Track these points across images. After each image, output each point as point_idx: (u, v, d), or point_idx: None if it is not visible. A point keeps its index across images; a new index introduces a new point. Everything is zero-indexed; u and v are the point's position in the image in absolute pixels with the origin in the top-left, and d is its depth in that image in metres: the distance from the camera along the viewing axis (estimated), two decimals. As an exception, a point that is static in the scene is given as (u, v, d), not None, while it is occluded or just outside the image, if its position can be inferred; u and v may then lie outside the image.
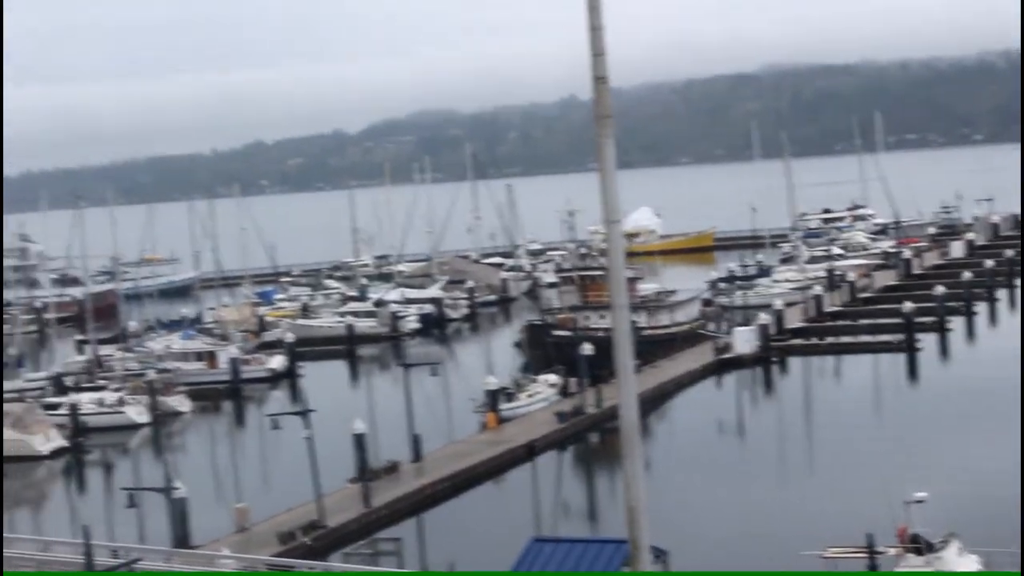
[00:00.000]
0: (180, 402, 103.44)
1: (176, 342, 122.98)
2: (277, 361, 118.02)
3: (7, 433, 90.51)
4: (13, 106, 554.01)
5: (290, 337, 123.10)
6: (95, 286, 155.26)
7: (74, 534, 57.76)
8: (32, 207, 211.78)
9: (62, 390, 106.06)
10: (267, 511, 66.45)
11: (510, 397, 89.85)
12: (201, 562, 51.55)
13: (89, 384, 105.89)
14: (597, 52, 25.08)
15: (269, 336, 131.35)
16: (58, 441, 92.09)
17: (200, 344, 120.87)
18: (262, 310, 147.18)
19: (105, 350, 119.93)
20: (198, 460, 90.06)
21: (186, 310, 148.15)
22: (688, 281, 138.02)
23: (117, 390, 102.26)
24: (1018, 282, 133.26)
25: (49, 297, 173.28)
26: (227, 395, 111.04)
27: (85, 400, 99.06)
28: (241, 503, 66.48)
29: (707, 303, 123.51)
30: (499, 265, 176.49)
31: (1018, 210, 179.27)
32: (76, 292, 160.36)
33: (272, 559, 53.91)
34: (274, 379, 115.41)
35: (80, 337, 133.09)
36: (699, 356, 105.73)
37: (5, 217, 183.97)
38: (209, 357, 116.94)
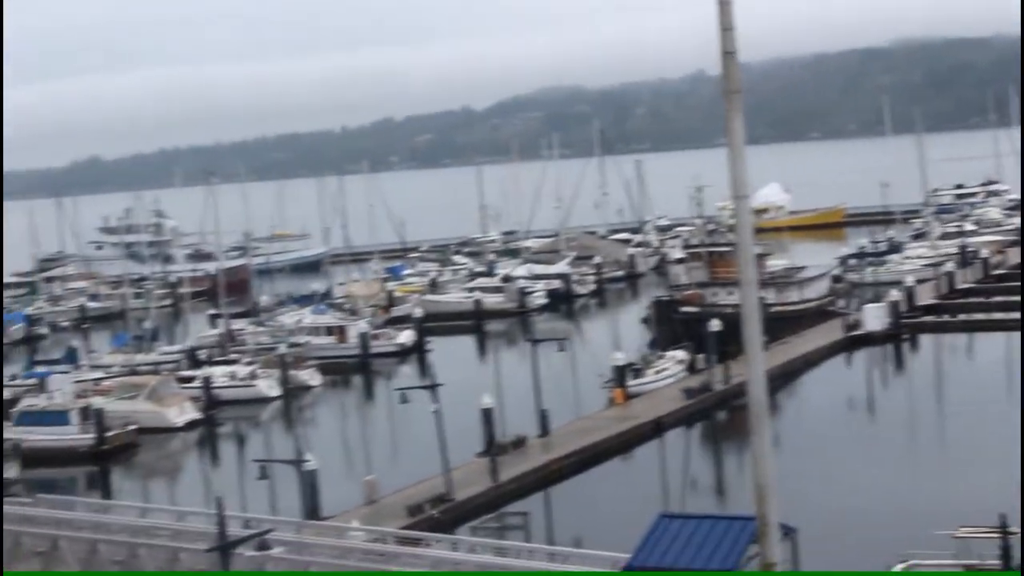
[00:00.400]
0: (310, 376, 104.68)
1: (307, 317, 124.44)
2: (406, 336, 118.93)
3: (143, 404, 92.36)
4: (153, 87, 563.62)
5: (418, 312, 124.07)
6: (228, 261, 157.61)
7: (207, 504, 58.77)
8: (167, 183, 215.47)
9: (196, 363, 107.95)
10: (396, 484, 67.13)
11: (637, 373, 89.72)
12: (331, 534, 52.24)
13: (222, 358, 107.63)
14: (726, 26, 25.01)
15: (398, 311, 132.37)
16: (192, 413, 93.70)
17: (330, 319, 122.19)
18: (391, 285, 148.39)
19: (237, 324, 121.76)
20: (328, 433, 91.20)
21: (316, 285, 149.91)
22: (817, 257, 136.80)
23: (249, 364, 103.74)
24: None
25: (183, 272, 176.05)
26: (356, 369, 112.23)
27: (218, 373, 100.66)
28: (370, 476, 67.24)
29: (837, 279, 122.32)
30: (626, 241, 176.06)
31: None
32: (209, 267, 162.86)
33: (401, 531, 54.47)
34: (402, 354, 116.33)
35: (213, 311, 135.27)
36: (828, 333, 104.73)
37: (142, 192, 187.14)
38: (339, 331, 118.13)
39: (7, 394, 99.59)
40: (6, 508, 56.00)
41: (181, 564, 47.89)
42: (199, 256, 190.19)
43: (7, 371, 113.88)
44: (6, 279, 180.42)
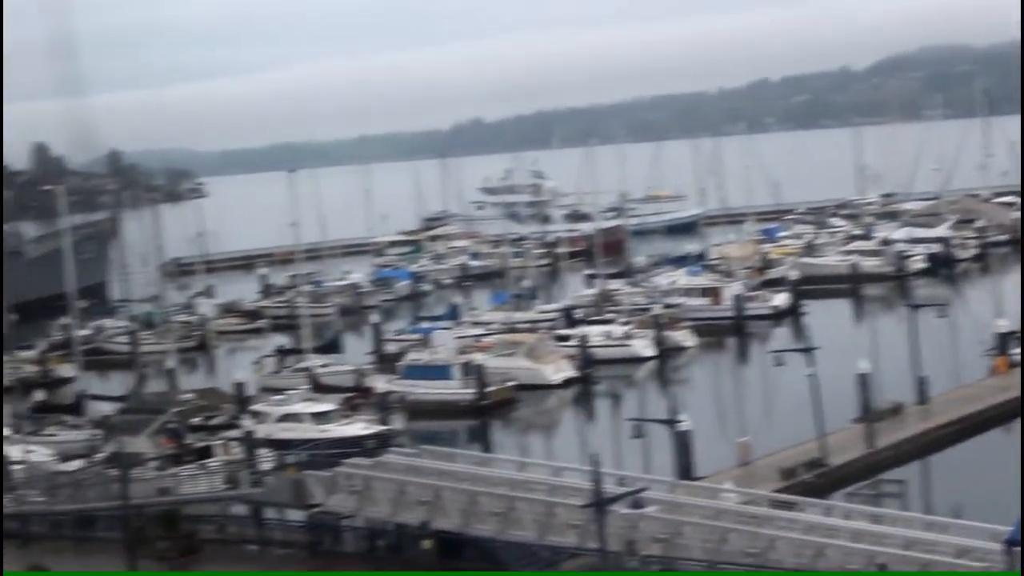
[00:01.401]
0: (685, 337, 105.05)
1: (681, 278, 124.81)
2: (781, 298, 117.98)
3: (521, 361, 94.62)
4: (530, 50, 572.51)
5: (794, 275, 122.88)
6: (604, 222, 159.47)
7: (583, 461, 59.90)
8: (545, 145, 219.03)
9: (572, 322, 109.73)
10: (769, 447, 66.93)
11: (1022, 341, 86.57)
12: (704, 495, 52.52)
13: (597, 317, 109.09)
14: None
15: (773, 273, 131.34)
16: (568, 371, 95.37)
17: (704, 280, 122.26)
18: (766, 247, 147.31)
19: (613, 284, 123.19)
20: (702, 394, 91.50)
21: (691, 246, 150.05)
22: None
23: (624, 324, 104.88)
24: None
25: (560, 232, 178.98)
26: (730, 331, 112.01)
27: (593, 333, 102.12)
28: (744, 438, 67.22)
29: None
30: (1011, 204, 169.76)
31: None
32: (586, 227, 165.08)
33: (774, 495, 54.31)
34: (777, 316, 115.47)
35: (589, 271, 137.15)
36: None
37: (521, 154, 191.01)
38: (713, 293, 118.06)
39: (394, 347, 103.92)
40: (393, 457, 58.49)
41: (557, 519, 49.01)
42: (576, 216, 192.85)
43: (394, 325, 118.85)
44: (394, 237, 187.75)
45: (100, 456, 73.51)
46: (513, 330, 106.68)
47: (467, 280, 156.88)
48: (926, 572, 42.51)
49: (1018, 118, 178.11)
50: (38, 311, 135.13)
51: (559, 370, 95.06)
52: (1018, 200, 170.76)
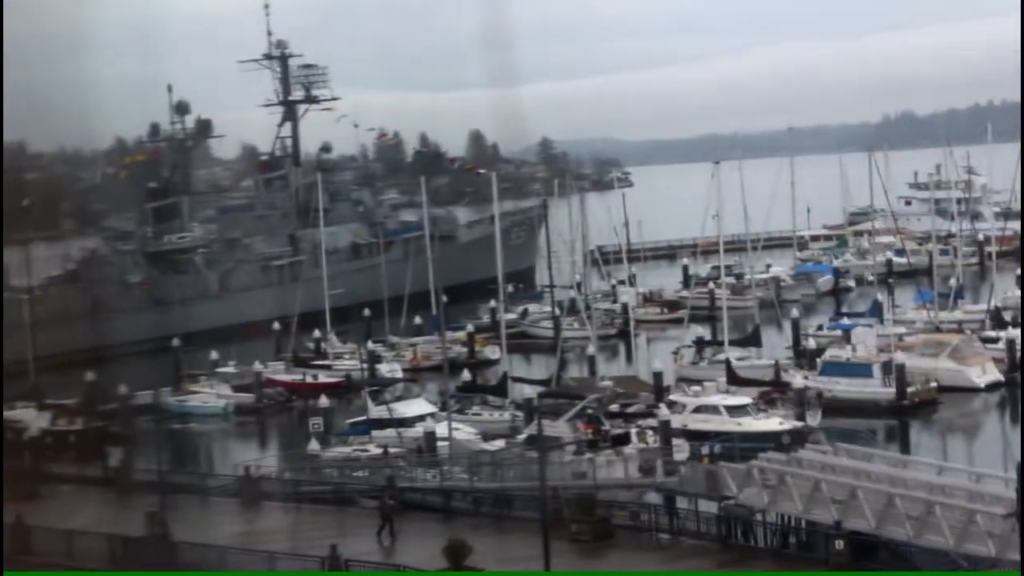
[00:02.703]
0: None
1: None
2: None
3: (945, 362, 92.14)
4: (965, 41, 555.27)
5: None
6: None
7: (1006, 469, 58.00)
8: (979, 139, 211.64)
9: (1000, 324, 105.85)
10: None
11: None
12: None
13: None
14: None
15: None
16: (994, 375, 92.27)
17: None
18: None
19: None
20: None
21: None
22: None
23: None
24: None
25: (991, 230, 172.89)
26: None
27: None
28: None
29: None
30: None
31: None
32: (1018, 226, 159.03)
33: None
34: None
35: (1020, 271, 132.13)
36: None
37: (954, 148, 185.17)
38: None
39: (813, 343, 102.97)
40: (808, 454, 58.06)
41: (976, 527, 47.56)
42: (1008, 214, 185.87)
43: (814, 321, 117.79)
44: (818, 231, 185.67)
45: (520, 437, 75.93)
46: (937, 330, 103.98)
47: (891, 277, 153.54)
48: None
49: None
50: (468, 294, 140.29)
51: (985, 373, 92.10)
52: None
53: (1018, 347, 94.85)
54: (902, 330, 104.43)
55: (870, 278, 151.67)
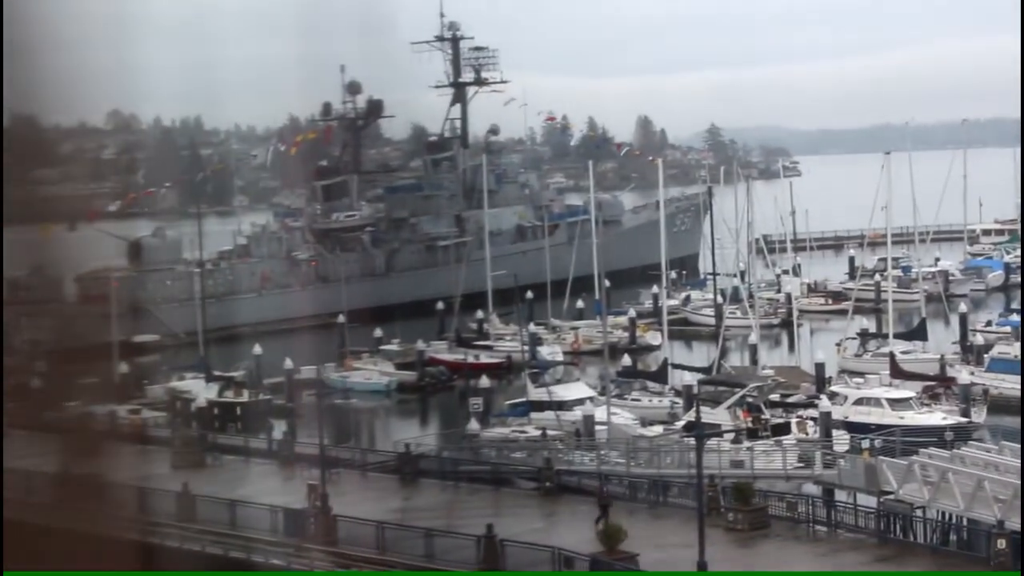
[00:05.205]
0: None
1: None
2: None
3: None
4: None
5: None
6: None
7: None
8: None
9: None
10: None
11: None
12: None
13: None
14: None
15: None
16: None
17: None
18: None
19: None
20: None
21: None
22: None
23: None
24: None
25: None
26: None
27: None
28: None
29: None
30: None
31: None
32: None
33: None
34: None
35: None
36: None
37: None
38: None
39: (980, 339, 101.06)
40: (971, 451, 57.14)
41: None
42: None
43: (982, 316, 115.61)
44: (990, 225, 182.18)
45: (678, 424, 75.77)
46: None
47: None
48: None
49: None
50: (631, 279, 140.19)
51: None
52: None
53: None
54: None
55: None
